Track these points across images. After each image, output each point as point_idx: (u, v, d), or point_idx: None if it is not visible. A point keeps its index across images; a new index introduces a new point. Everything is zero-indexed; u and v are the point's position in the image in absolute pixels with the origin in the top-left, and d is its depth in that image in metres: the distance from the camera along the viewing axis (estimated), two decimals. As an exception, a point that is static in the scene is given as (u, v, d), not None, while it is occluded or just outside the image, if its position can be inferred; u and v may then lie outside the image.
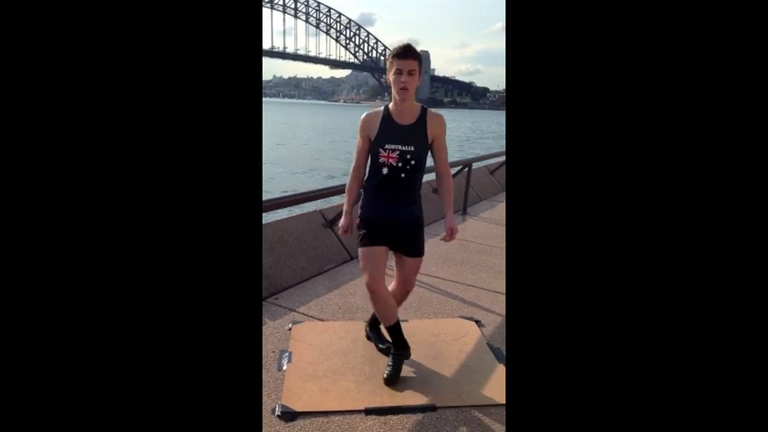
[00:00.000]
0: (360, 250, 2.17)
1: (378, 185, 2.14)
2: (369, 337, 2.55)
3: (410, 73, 1.97)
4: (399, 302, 2.35)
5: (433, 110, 2.16)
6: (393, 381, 2.17)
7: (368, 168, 2.20)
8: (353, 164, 2.23)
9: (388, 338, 2.30)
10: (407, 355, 2.23)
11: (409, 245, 2.22)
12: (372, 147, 2.12)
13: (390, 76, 2.01)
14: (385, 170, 2.09)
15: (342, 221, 2.29)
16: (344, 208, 2.29)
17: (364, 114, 2.16)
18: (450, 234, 2.18)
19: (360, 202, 2.24)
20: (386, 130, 2.08)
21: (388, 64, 2.03)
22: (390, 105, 2.12)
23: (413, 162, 2.09)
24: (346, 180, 2.30)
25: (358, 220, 2.21)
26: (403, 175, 2.09)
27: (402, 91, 2.00)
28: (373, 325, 2.53)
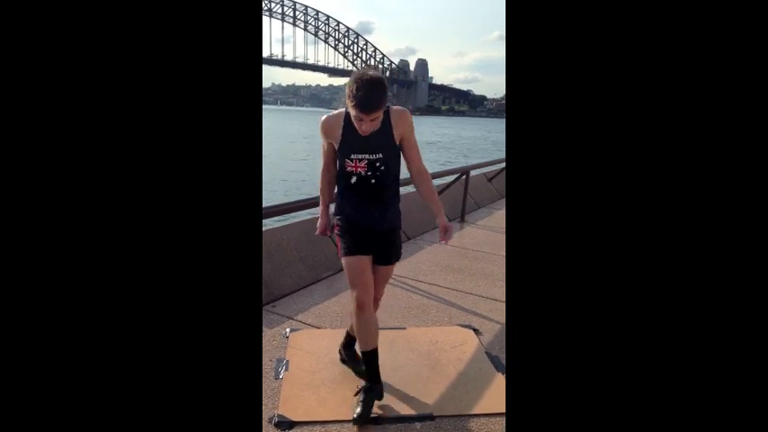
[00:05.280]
0: (344, 261, 2.03)
1: (349, 192, 2.04)
2: (343, 361, 2.36)
3: (372, 120, 1.83)
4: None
5: (396, 106, 1.97)
6: (363, 420, 1.93)
7: (338, 172, 2.08)
8: (321, 165, 2.13)
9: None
10: (380, 394, 2.01)
11: (382, 252, 2.10)
12: (338, 154, 2.01)
13: (350, 111, 1.85)
14: (354, 178, 2.00)
15: (318, 222, 2.20)
16: (320, 208, 2.20)
17: (324, 117, 2.01)
18: (445, 234, 2.06)
19: (334, 204, 2.14)
20: (349, 140, 1.95)
21: (347, 100, 1.82)
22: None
23: (382, 168, 1.98)
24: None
25: (335, 225, 2.10)
26: (373, 181, 1.99)
27: (362, 131, 1.87)
28: (348, 345, 2.36)
